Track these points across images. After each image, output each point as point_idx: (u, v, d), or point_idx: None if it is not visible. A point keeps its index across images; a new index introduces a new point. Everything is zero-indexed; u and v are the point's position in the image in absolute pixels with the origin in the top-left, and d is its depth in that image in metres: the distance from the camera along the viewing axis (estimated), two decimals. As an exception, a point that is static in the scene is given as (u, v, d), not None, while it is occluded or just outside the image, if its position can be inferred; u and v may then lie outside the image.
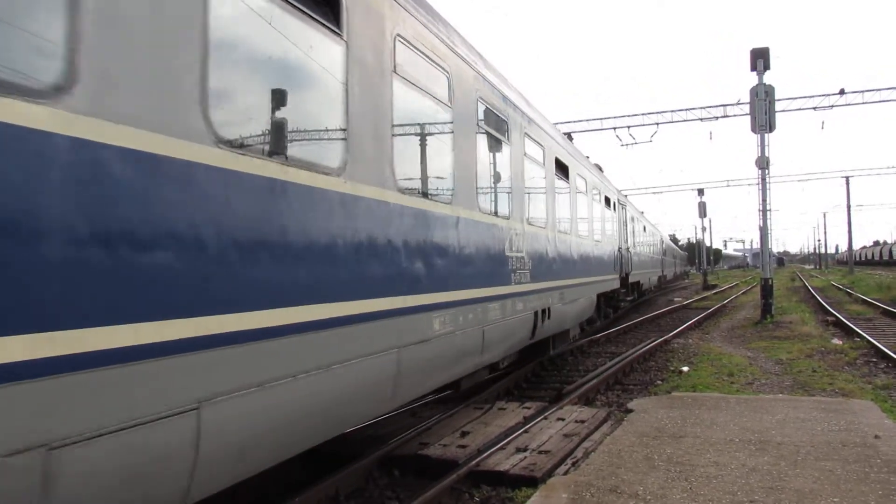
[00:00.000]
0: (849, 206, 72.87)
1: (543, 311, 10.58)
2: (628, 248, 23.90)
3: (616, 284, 19.88)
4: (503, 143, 9.03)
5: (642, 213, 38.87)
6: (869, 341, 16.06)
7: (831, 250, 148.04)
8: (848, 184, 69.05)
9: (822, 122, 38.33)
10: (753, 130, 22.27)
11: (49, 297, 2.79)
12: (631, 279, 24.63)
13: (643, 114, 39.19)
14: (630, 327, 21.94)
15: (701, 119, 37.91)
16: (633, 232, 27.33)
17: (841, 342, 16.88)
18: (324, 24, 4.77)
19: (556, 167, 12.26)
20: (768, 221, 23.24)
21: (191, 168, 3.52)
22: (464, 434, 8.14)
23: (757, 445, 7.19)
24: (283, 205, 4.26)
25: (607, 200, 19.42)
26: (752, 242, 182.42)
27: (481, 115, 8.18)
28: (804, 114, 36.40)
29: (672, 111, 38.64)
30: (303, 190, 4.46)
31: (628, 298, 25.42)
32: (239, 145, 3.90)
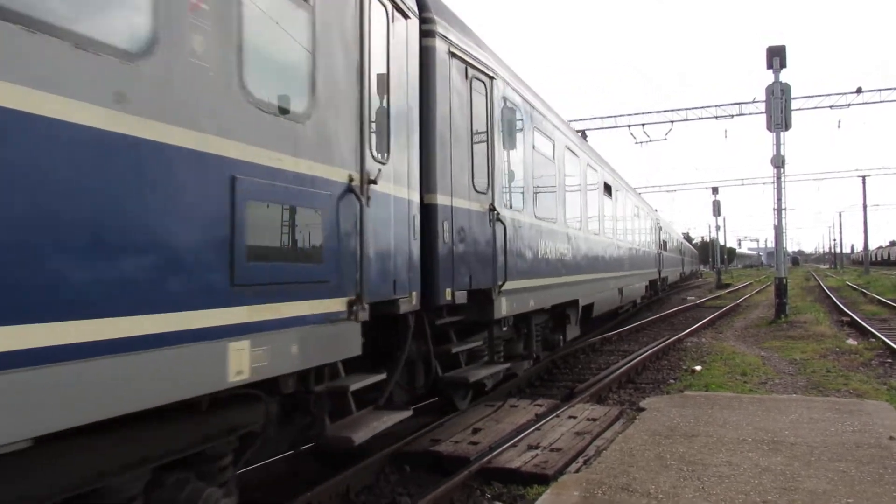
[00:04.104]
0: (865, 206, 72.32)
1: None
2: (510, 204, 9.59)
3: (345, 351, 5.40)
4: None
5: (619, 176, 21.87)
6: (884, 342, 15.89)
7: (847, 250, 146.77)
8: (864, 183, 68.49)
9: (839, 121, 38.01)
10: (769, 129, 22.12)
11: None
12: (511, 306, 9.36)
13: (657, 111, 39.07)
14: (643, 326, 21.85)
15: (716, 117, 37.73)
16: (566, 176, 13.28)
17: (856, 342, 16.75)
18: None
19: None
20: (783, 220, 23.08)
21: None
22: (475, 431, 8.14)
23: (770, 445, 7.15)
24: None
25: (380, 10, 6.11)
26: (766, 241, 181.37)
27: None
28: (820, 112, 36.23)
29: (687, 109, 38.53)
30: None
31: (505, 365, 9.61)
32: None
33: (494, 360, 9.49)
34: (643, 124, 38.62)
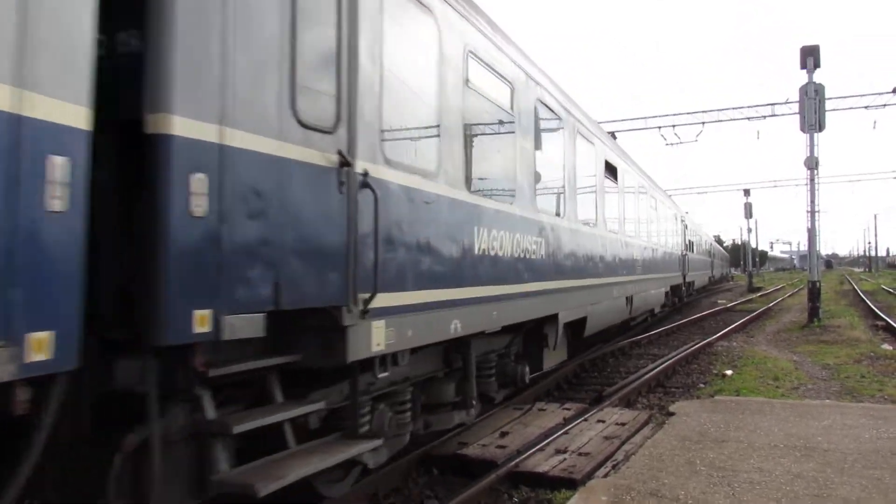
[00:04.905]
0: (901, 208, 70.90)
1: None
2: None
3: None
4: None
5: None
6: (921, 347, 15.60)
7: (882, 253, 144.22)
8: (901, 185, 67.18)
9: (875, 122, 37.22)
10: (802, 130, 21.82)
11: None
12: (401, 335, 5.50)
13: (688, 112, 38.63)
14: (673, 329, 21.65)
15: (748, 118, 37.17)
16: (539, 142, 9.24)
17: (891, 347, 16.44)
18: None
19: None
20: (816, 223, 22.74)
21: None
22: (503, 434, 8.14)
23: (802, 452, 7.05)
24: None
25: None
26: (799, 244, 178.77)
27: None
28: (855, 113, 35.52)
29: (718, 110, 38.01)
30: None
31: (374, 442, 5.27)
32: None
33: (379, 426, 5.74)
34: (674, 126, 38.23)
